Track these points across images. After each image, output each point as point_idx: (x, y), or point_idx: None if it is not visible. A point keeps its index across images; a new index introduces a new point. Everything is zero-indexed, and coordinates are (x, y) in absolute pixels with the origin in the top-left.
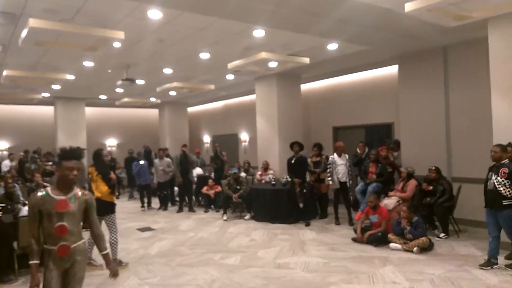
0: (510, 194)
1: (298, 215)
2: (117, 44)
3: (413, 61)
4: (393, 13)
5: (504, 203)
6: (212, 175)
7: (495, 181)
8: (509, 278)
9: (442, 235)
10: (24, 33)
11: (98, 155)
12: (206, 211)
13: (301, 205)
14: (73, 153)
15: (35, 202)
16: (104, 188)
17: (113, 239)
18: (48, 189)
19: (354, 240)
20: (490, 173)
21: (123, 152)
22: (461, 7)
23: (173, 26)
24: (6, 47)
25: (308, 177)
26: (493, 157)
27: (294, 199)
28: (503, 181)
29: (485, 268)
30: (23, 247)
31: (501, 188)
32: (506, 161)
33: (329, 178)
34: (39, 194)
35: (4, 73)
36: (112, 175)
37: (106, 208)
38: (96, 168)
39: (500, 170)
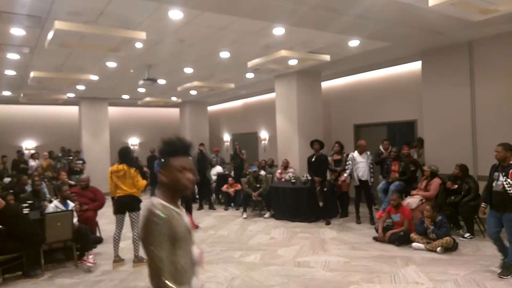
0: None
1: (318, 213)
2: (139, 45)
3: (437, 57)
4: (415, 8)
5: None
6: (232, 173)
7: (504, 182)
8: None
9: (467, 235)
10: (50, 35)
11: (128, 152)
12: (226, 209)
13: (321, 203)
14: (183, 147)
15: (167, 223)
16: (143, 182)
17: (137, 236)
18: (161, 201)
19: (376, 239)
20: (496, 174)
21: (145, 151)
22: (487, 0)
23: (193, 26)
24: (33, 49)
25: (328, 176)
26: (497, 157)
27: (314, 198)
28: None
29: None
30: (49, 243)
31: None
32: None
33: (345, 174)
34: (161, 212)
35: (32, 74)
36: (146, 169)
37: (137, 204)
38: (129, 164)
39: (510, 172)
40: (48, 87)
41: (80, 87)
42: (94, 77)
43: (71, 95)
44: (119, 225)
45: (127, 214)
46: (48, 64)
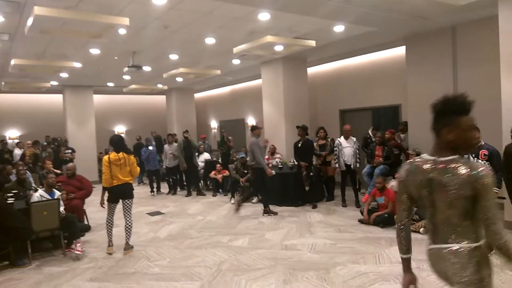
0: None
1: (305, 197)
2: (122, 31)
3: (421, 42)
4: None
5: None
6: (220, 159)
7: None
8: None
9: None
10: (29, 21)
11: (122, 140)
12: (214, 195)
13: (307, 188)
14: (468, 106)
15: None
16: (138, 169)
17: (130, 223)
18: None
19: (361, 221)
20: (467, 156)
21: (131, 138)
22: None
23: (177, 11)
24: (13, 36)
25: (314, 161)
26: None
27: (300, 182)
28: (484, 163)
29: None
30: (36, 232)
31: None
32: (482, 142)
33: (335, 161)
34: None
35: (12, 62)
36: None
37: (132, 192)
38: (126, 152)
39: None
40: (30, 75)
41: (64, 75)
42: (78, 65)
43: (55, 83)
44: (111, 212)
45: (119, 202)
46: (29, 51)
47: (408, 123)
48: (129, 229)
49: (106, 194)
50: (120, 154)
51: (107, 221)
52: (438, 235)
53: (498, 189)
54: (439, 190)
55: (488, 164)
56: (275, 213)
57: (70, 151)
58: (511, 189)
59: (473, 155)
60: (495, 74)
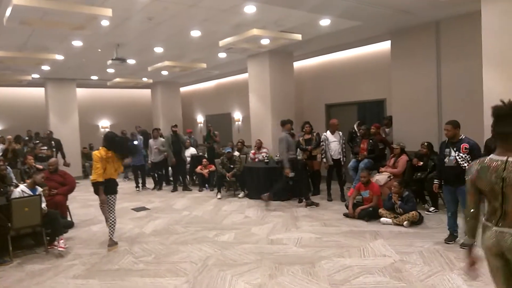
0: None
1: (291, 192)
2: (105, 22)
3: (406, 36)
4: None
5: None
6: (206, 154)
7: (457, 157)
8: None
9: (431, 209)
10: (8, 11)
11: (113, 137)
12: (200, 190)
13: (290, 182)
14: None
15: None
16: (122, 167)
17: (114, 219)
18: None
19: (346, 215)
20: (447, 150)
21: (116, 133)
22: None
23: (161, 3)
24: None
25: (300, 155)
26: (447, 135)
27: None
28: (465, 156)
29: (449, 242)
30: (17, 229)
31: (465, 164)
32: (462, 136)
33: (323, 156)
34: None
35: None
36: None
37: (116, 188)
38: (113, 149)
39: (461, 146)
40: (11, 67)
41: (45, 68)
42: (60, 57)
43: (36, 76)
44: (111, 206)
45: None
46: (9, 43)
47: (392, 117)
48: (112, 224)
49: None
50: (110, 152)
51: (114, 220)
52: (506, 221)
53: None
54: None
55: (469, 157)
56: (317, 204)
57: (46, 147)
58: None
59: (454, 149)
60: (477, 69)
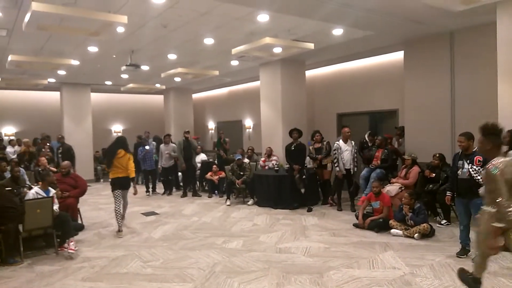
0: None
1: (300, 201)
2: (120, 29)
3: (419, 46)
4: None
5: (480, 192)
6: (216, 161)
7: (470, 170)
8: (510, 264)
9: (443, 222)
10: (27, 17)
11: (125, 140)
12: (209, 196)
13: (302, 190)
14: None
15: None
16: (132, 165)
17: (126, 203)
18: None
19: (356, 225)
20: (461, 162)
21: (128, 137)
22: None
23: (175, 10)
24: (10, 31)
25: (310, 164)
26: (461, 146)
27: (294, 185)
28: (479, 169)
29: (461, 256)
30: (28, 230)
31: (478, 177)
32: (476, 148)
33: (336, 165)
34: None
35: (9, 58)
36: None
37: (129, 183)
38: (126, 150)
39: (475, 159)
40: (28, 71)
41: (61, 72)
42: (75, 62)
43: (52, 80)
44: (118, 200)
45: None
46: (27, 47)
47: (405, 128)
48: (125, 208)
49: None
50: (122, 151)
51: (115, 209)
52: None
53: None
54: None
55: (482, 170)
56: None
57: (49, 150)
58: None
59: (468, 161)
60: (492, 80)
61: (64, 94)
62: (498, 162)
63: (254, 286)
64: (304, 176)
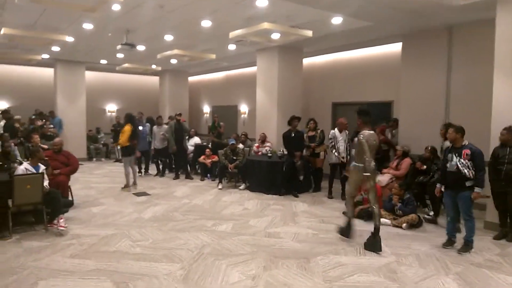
0: (473, 175)
1: (295, 187)
2: (116, 7)
3: (417, 39)
4: None
5: (467, 185)
6: (210, 144)
7: (458, 163)
8: (494, 257)
9: (432, 213)
10: None
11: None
12: (202, 180)
13: (301, 177)
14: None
15: None
16: (122, 137)
17: (136, 169)
18: None
19: (345, 213)
20: (450, 155)
21: (122, 118)
22: None
23: None
24: (3, 4)
25: (304, 152)
26: (449, 138)
27: (294, 172)
28: (466, 163)
29: (447, 247)
30: (18, 205)
31: (465, 170)
32: (466, 142)
33: (335, 152)
34: None
35: (2, 31)
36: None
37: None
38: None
39: (463, 152)
40: (20, 45)
41: (55, 48)
42: (70, 39)
43: (46, 56)
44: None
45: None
46: (20, 21)
47: (398, 120)
48: (135, 172)
49: None
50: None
51: (127, 172)
52: None
53: (480, 189)
54: None
55: (470, 163)
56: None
57: (52, 126)
58: (495, 190)
59: (456, 154)
60: (488, 76)
61: (58, 71)
62: (365, 133)
63: (242, 269)
64: (305, 163)
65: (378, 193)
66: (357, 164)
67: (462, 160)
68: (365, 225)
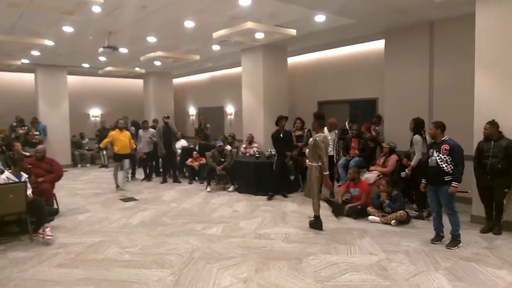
0: (451, 170)
1: (283, 187)
2: (96, 9)
3: (400, 36)
4: None
5: (446, 179)
6: (197, 147)
7: (437, 158)
8: (481, 250)
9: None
10: None
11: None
12: (190, 183)
13: (292, 177)
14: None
15: None
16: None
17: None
18: None
19: (326, 200)
20: (432, 150)
21: (107, 122)
22: None
23: None
24: None
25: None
26: (429, 133)
27: (284, 172)
28: (444, 157)
29: (435, 242)
30: (1, 215)
31: (444, 165)
32: (446, 137)
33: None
34: None
35: None
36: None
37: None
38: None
39: (442, 147)
40: None
41: (35, 53)
42: (50, 43)
43: (26, 61)
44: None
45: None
46: None
47: (384, 117)
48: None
49: None
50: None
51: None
52: None
53: (457, 183)
54: None
55: (449, 158)
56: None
57: (38, 133)
58: (481, 184)
59: (436, 149)
60: (470, 71)
61: (39, 76)
62: (321, 135)
63: (233, 272)
64: (290, 162)
65: (366, 191)
66: (314, 163)
67: (441, 155)
68: (355, 223)
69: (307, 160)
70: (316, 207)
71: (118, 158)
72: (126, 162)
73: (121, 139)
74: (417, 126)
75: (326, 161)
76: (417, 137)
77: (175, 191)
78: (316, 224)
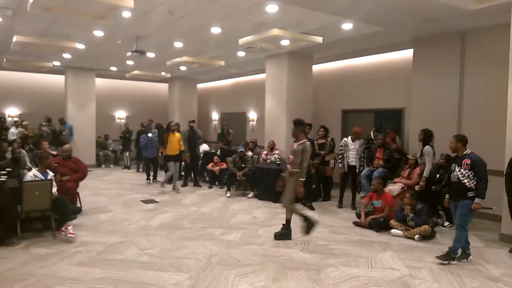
0: (474, 185)
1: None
2: (126, 14)
3: (429, 45)
4: None
5: (469, 195)
6: (218, 152)
7: (458, 173)
8: (510, 271)
9: (446, 224)
10: None
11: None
12: (210, 187)
13: (313, 186)
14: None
15: None
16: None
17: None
18: None
19: (356, 224)
20: (454, 165)
21: (131, 125)
22: None
23: None
24: (16, 12)
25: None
26: (450, 148)
27: (309, 181)
28: (466, 173)
29: (461, 260)
30: (26, 212)
31: (465, 180)
32: (468, 151)
33: (340, 161)
34: None
35: (14, 38)
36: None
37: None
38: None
39: (463, 162)
40: (33, 53)
41: (66, 56)
42: (81, 46)
43: (57, 63)
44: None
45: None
46: (32, 29)
47: (409, 128)
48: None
49: None
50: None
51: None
52: None
53: (481, 200)
54: None
55: (471, 173)
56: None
57: (65, 132)
58: (511, 203)
59: (457, 164)
60: (502, 83)
61: (69, 78)
62: (307, 143)
63: (250, 280)
64: (313, 171)
65: (389, 203)
66: (295, 169)
67: (462, 170)
68: (377, 236)
69: (288, 166)
70: (290, 212)
71: (166, 159)
72: (171, 164)
73: (172, 141)
74: (426, 137)
75: (306, 168)
76: (428, 148)
77: (195, 195)
78: (285, 234)
